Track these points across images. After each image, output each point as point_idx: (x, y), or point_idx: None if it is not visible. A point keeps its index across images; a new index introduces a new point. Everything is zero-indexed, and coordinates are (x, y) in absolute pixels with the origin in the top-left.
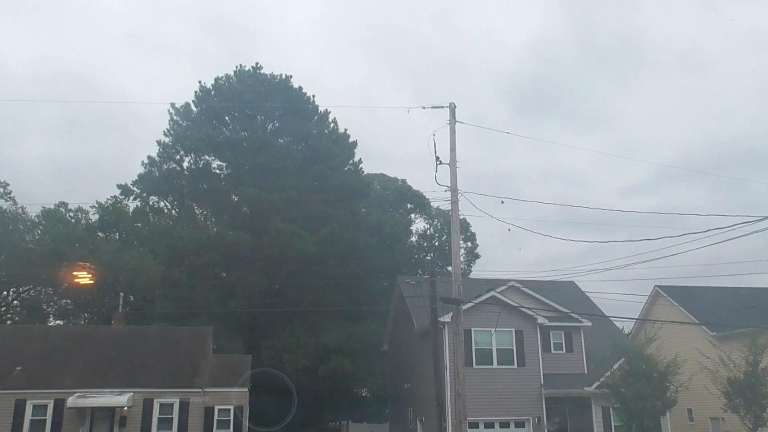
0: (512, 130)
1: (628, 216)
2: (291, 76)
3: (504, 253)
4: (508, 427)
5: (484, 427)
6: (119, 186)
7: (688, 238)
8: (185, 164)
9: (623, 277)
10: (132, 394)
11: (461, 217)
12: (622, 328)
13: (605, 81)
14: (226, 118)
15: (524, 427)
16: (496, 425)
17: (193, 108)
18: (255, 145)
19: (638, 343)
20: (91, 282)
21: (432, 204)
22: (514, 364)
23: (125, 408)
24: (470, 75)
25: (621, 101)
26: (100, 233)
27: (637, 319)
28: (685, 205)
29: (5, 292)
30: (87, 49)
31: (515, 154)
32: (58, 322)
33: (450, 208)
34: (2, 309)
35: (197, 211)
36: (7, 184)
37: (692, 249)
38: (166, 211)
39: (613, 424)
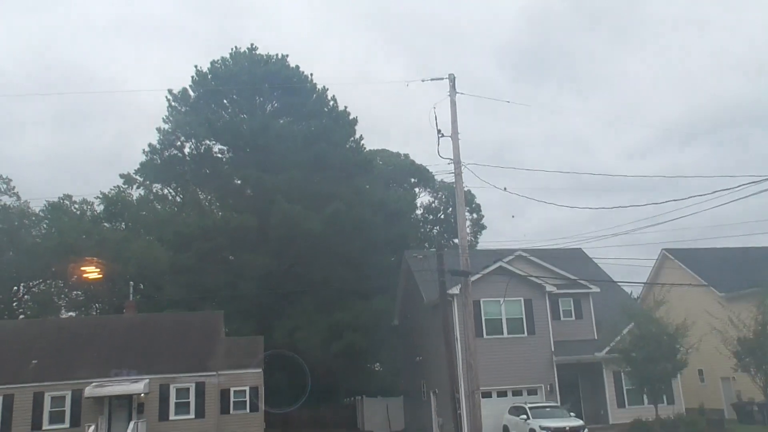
0: (511, 97)
1: (632, 180)
2: (287, 56)
3: (510, 224)
4: (521, 395)
5: (497, 396)
6: (122, 175)
7: (694, 200)
8: (186, 150)
9: (630, 242)
10: (148, 380)
11: (465, 188)
12: (631, 293)
13: (604, 42)
14: (225, 101)
15: (537, 394)
16: (509, 393)
17: (191, 93)
18: (255, 127)
19: (647, 307)
20: (100, 276)
21: (436, 177)
22: (524, 333)
23: (142, 394)
24: (466, 43)
25: (621, 62)
26: (106, 224)
27: (645, 283)
28: (689, 167)
29: (15, 288)
30: (74, 38)
31: (515, 121)
32: (70, 314)
33: (454, 180)
34: (14, 304)
35: (201, 197)
36: (10, 180)
37: (699, 211)
38: (170, 198)
39: (624, 388)
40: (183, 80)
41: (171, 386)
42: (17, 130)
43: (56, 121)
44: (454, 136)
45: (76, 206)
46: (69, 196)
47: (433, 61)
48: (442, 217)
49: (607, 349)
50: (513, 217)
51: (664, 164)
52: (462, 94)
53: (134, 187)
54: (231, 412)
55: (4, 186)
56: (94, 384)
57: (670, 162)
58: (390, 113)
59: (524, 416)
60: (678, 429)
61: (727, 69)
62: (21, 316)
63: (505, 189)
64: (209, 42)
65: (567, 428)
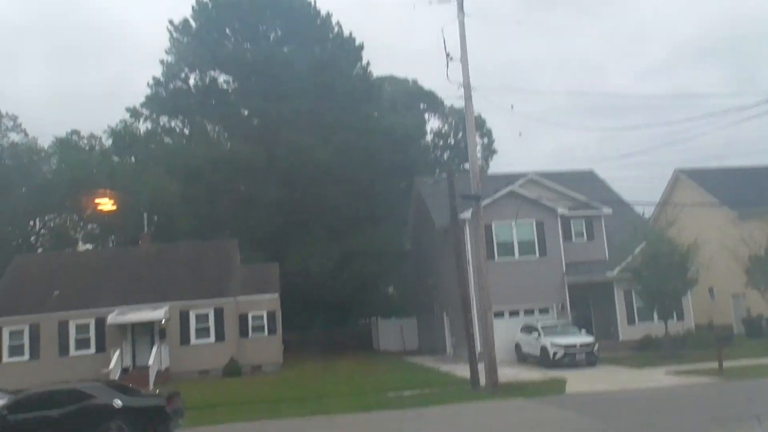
0: (518, 18)
1: (645, 100)
2: None
3: (521, 148)
4: (533, 314)
5: (509, 316)
6: (128, 109)
7: (708, 120)
8: (191, 82)
9: (643, 163)
10: (168, 307)
11: (476, 113)
12: (643, 213)
13: None
14: (227, 30)
15: (548, 313)
16: (521, 313)
17: (192, 23)
18: (259, 56)
19: (659, 227)
20: (114, 208)
21: (445, 102)
22: (535, 255)
23: (163, 321)
24: None
25: None
26: (115, 157)
27: (658, 203)
28: (704, 86)
29: (32, 222)
30: None
31: (524, 44)
32: (86, 246)
33: (463, 105)
34: (32, 239)
35: (209, 128)
36: (16, 117)
37: (713, 130)
38: (177, 130)
39: (635, 306)
40: (183, 10)
41: (190, 312)
42: (16, 66)
43: (55, 57)
44: (464, 59)
45: (84, 141)
46: (77, 131)
47: None
48: (452, 142)
49: (619, 268)
50: (520, 134)
51: (677, 84)
52: (470, 16)
53: (141, 120)
54: (250, 335)
55: (11, 123)
56: (116, 312)
57: (683, 81)
58: (395, 38)
59: (536, 334)
60: (687, 344)
61: None
62: (39, 250)
63: (512, 107)
64: None
65: (578, 345)
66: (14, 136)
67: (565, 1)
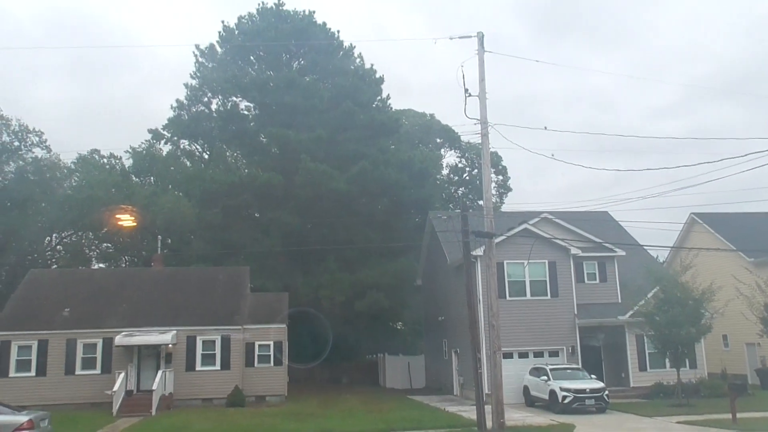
0: (530, 51)
1: (658, 140)
2: (314, 12)
3: (534, 185)
4: (542, 356)
5: (519, 357)
6: (150, 131)
7: (725, 163)
8: (213, 106)
9: (658, 206)
10: (175, 331)
11: (492, 150)
12: (657, 257)
13: None
14: (251, 57)
15: (558, 356)
16: (530, 354)
17: (218, 49)
18: (281, 84)
19: (673, 272)
20: (134, 224)
21: (462, 138)
22: (547, 295)
23: (170, 345)
24: None
25: (649, 13)
26: (134, 178)
27: (672, 247)
28: (720, 126)
29: (48, 238)
30: None
31: (536, 78)
32: (100, 265)
33: (480, 141)
34: (47, 254)
35: (228, 153)
36: (42, 133)
37: (730, 174)
38: (197, 154)
39: (647, 352)
40: (208, 35)
41: (198, 338)
42: (37, 82)
43: (76, 75)
44: (482, 95)
45: (105, 160)
46: (97, 150)
47: (449, 13)
48: (468, 178)
49: (631, 312)
50: (552, 155)
51: (691, 123)
52: (490, 52)
53: (162, 142)
54: (255, 365)
55: (36, 139)
56: (123, 333)
57: (697, 121)
58: (414, 72)
59: (545, 377)
60: (699, 393)
61: (759, 20)
62: (53, 266)
63: (553, 155)
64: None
65: (587, 390)
66: (38, 152)
67: (576, 33)
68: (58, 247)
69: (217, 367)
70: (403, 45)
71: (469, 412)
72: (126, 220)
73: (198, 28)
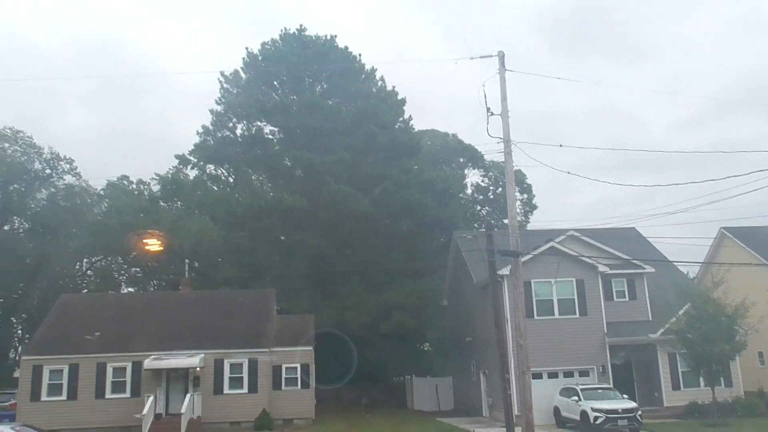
0: (548, 65)
1: (682, 154)
2: (336, 36)
3: (559, 202)
4: (572, 376)
5: (548, 377)
6: (177, 156)
7: (755, 176)
8: (238, 131)
9: (686, 221)
10: (203, 355)
11: (516, 168)
12: (687, 273)
13: (652, 3)
14: (275, 82)
15: (588, 375)
16: (560, 374)
17: (242, 74)
18: (304, 108)
19: (704, 287)
20: (161, 249)
21: (485, 157)
22: (576, 314)
23: (198, 368)
24: (502, 11)
25: (671, 26)
26: (162, 203)
27: (702, 262)
28: (745, 138)
29: (79, 263)
30: (113, 16)
31: (556, 93)
32: (129, 289)
33: (503, 159)
34: (78, 278)
35: (253, 177)
36: (72, 160)
37: (761, 187)
38: (223, 178)
39: (680, 370)
40: (230, 60)
41: (225, 361)
42: (64, 110)
43: (100, 102)
44: (504, 114)
45: (134, 186)
46: (126, 176)
47: (466, 30)
48: (492, 197)
49: (662, 330)
50: (561, 146)
51: (714, 136)
52: (511, 71)
53: (189, 167)
54: (283, 388)
55: (67, 166)
56: (152, 357)
57: (722, 133)
58: (434, 91)
59: (576, 398)
60: (736, 412)
61: None
62: (84, 291)
63: (560, 145)
64: (255, 24)
65: (620, 410)
66: (69, 179)
67: (595, 47)
68: (88, 271)
69: (245, 390)
70: (423, 65)
71: None
72: (153, 245)
73: (222, 55)
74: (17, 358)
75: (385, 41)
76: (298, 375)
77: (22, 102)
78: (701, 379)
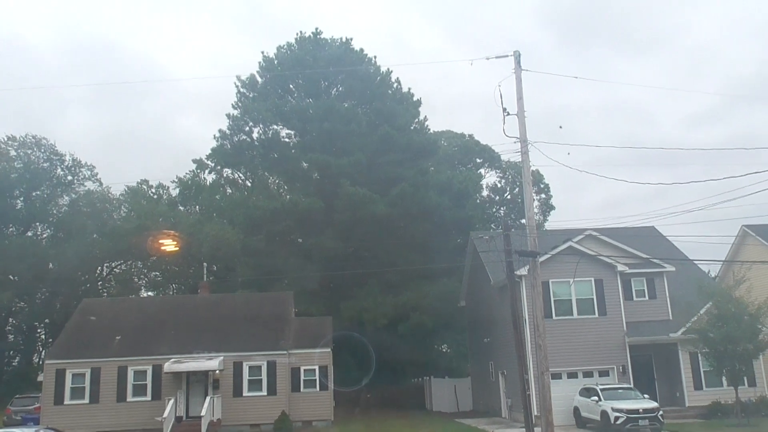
0: (557, 60)
1: (700, 152)
2: (351, 39)
3: (576, 201)
4: (592, 376)
5: (567, 377)
6: (194, 161)
7: None
8: (255, 135)
9: (706, 218)
10: (222, 357)
11: (533, 167)
12: (708, 272)
13: None
14: (291, 86)
15: (608, 375)
16: (579, 375)
17: (259, 79)
18: (320, 111)
19: (726, 286)
20: (177, 249)
21: (502, 157)
22: (595, 314)
23: (217, 371)
24: (508, 3)
25: (683, 14)
26: (180, 207)
27: (723, 261)
28: (760, 131)
29: (99, 268)
30: (116, 16)
31: (567, 90)
32: (149, 293)
33: (520, 159)
34: (99, 283)
35: (270, 180)
36: (93, 167)
37: None
38: (240, 182)
39: (702, 370)
40: (249, 65)
41: (244, 364)
42: (65, 113)
43: (105, 105)
44: (521, 114)
45: (153, 190)
46: (146, 181)
47: (473, 24)
48: (509, 197)
49: (683, 329)
50: (561, 127)
51: (731, 130)
52: (527, 71)
53: (206, 171)
54: (301, 390)
55: (88, 172)
56: (172, 360)
57: (738, 127)
58: (450, 91)
59: (596, 398)
60: (760, 412)
61: None
62: (104, 295)
63: (569, 153)
64: (271, 27)
65: (641, 410)
66: (90, 185)
67: (604, 38)
68: (109, 276)
69: (264, 392)
70: (441, 67)
71: None
72: (168, 245)
73: (238, 60)
74: (41, 362)
75: (391, 39)
76: (317, 377)
77: (29, 107)
78: (724, 378)
